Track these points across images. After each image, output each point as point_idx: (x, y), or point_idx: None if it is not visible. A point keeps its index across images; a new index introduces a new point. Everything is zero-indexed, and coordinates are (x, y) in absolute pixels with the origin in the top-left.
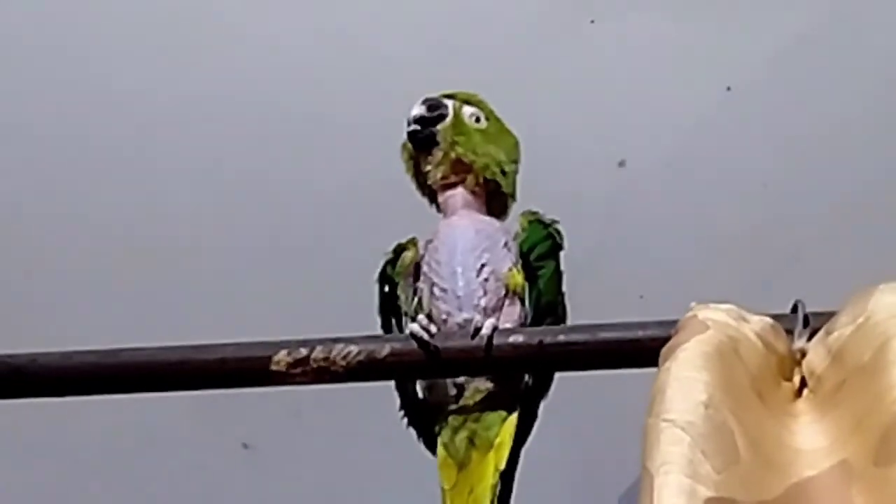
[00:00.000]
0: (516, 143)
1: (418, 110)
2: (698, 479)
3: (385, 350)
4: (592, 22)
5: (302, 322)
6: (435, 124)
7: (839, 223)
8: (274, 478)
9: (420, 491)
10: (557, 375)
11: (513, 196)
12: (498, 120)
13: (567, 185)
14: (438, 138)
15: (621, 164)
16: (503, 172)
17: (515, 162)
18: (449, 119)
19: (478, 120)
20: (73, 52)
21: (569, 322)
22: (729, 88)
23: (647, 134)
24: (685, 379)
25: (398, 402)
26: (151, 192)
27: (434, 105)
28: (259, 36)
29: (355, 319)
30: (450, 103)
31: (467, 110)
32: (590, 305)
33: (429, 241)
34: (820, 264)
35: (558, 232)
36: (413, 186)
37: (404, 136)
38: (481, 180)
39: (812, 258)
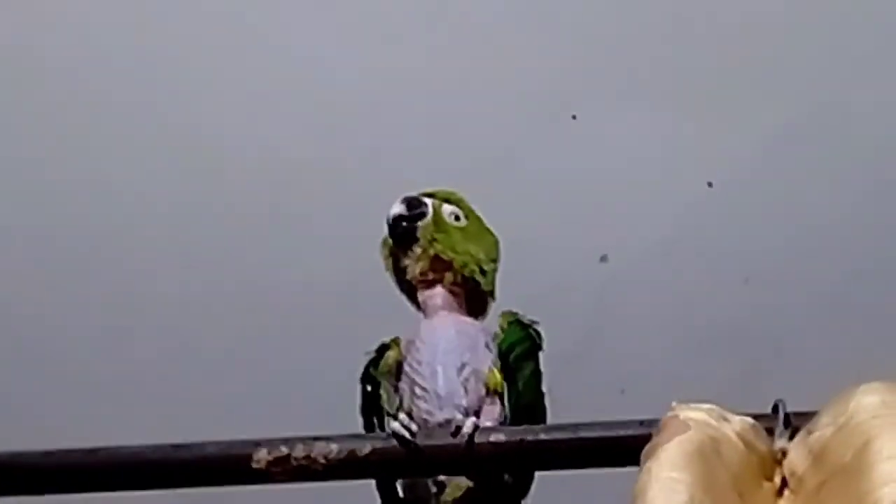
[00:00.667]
0: (496, 243)
1: (398, 209)
2: None
3: (366, 448)
4: (574, 117)
5: (283, 420)
6: (415, 222)
7: (822, 318)
8: None
9: None
10: (538, 474)
11: (492, 295)
12: (478, 219)
13: (549, 279)
14: (418, 234)
15: (603, 258)
16: (482, 271)
17: (495, 261)
18: (429, 217)
19: (457, 218)
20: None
21: (549, 419)
22: (710, 184)
23: (630, 229)
24: (666, 479)
25: (378, 501)
26: (132, 287)
27: (414, 203)
28: (242, 134)
29: (337, 418)
30: (429, 202)
31: (447, 208)
32: (571, 400)
33: (410, 341)
34: (802, 358)
35: (537, 333)
36: (393, 283)
37: (385, 232)
38: (460, 278)
39: (794, 352)
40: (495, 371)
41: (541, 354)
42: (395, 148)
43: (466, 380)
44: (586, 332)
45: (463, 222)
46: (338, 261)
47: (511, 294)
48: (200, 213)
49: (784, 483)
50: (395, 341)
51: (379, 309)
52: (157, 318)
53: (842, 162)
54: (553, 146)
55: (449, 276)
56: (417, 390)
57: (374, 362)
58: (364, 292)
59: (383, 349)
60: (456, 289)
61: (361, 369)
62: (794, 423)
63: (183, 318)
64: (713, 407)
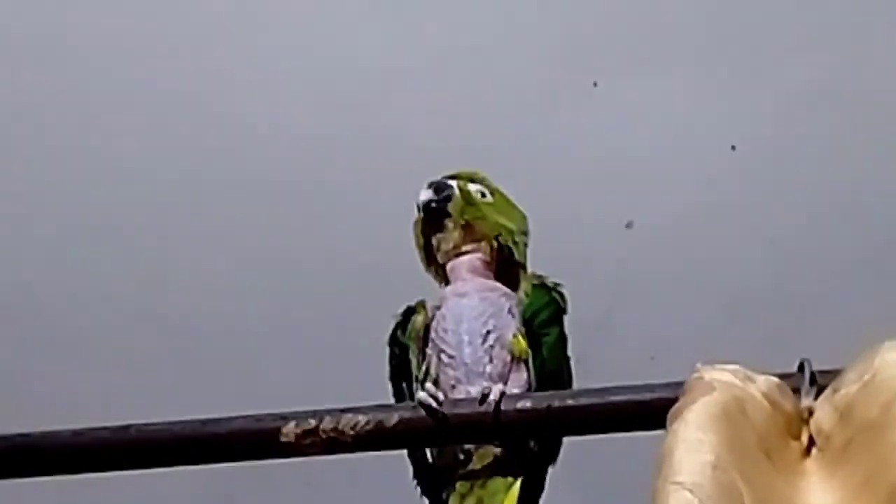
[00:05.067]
0: (524, 217)
1: (426, 195)
2: None
3: (394, 419)
4: (595, 84)
5: (311, 393)
6: (444, 203)
7: (848, 279)
8: None
9: None
10: (566, 439)
11: (524, 269)
12: (503, 195)
13: (575, 247)
14: (450, 209)
15: (629, 225)
16: (514, 242)
17: (525, 234)
18: (457, 196)
19: (483, 195)
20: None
21: (576, 385)
22: (734, 147)
23: (654, 195)
24: (692, 441)
25: (411, 469)
26: (159, 266)
27: (440, 187)
28: (267, 112)
29: (364, 388)
30: (454, 183)
31: (473, 187)
32: (601, 367)
33: (436, 308)
34: (829, 320)
35: (561, 296)
36: (421, 263)
37: (413, 213)
38: (494, 246)
39: (821, 313)
40: (520, 337)
41: (566, 318)
42: (416, 116)
43: (492, 347)
44: (614, 300)
45: (490, 199)
46: (364, 232)
47: (537, 263)
48: (223, 189)
49: (811, 441)
50: (422, 304)
51: (406, 282)
52: (184, 294)
53: (865, 123)
54: (574, 114)
55: (484, 246)
56: (444, 358)
57: (402, 326)
58: (391, 264)
59: (410, 312)
60: (488, 259)
61: (389, 333)
62: (820, 382)
63: (209, 295)
64: (738, 368)
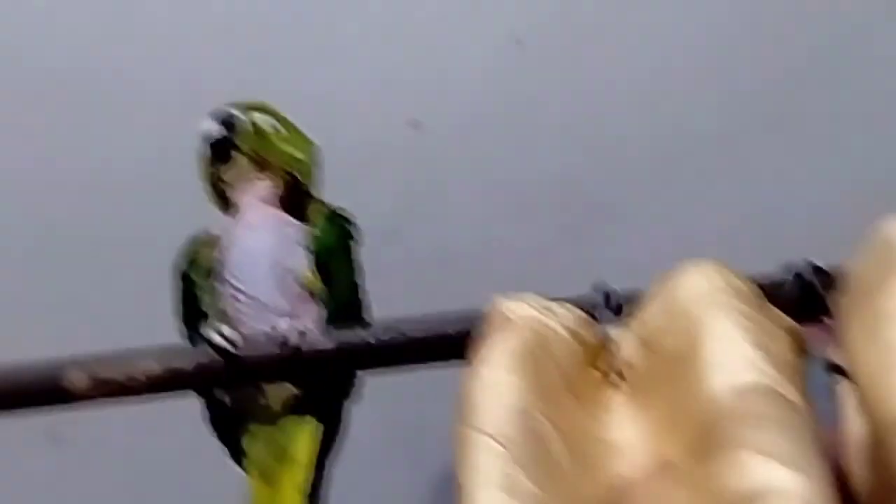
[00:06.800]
0: (315, 147)
1: (210, 126)
2: (514, 494)
3: (186, 363)
4: None
5: (94, 332)
6: (231, 134)
7: (643, 173)
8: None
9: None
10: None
11: (314, 200)
12: (292, 125)
13: (360, 149)
14: (237, 141)
15: (414, 124)
16: (305, 174)
17: (316, 165)
18: (246, 126)
19: (272, 126)
20: None
21: (369, 311)
22: (518, 41)
23: (440, 93)
24: (494, 384)
25: (202, 408)
26: None
27: (226, 118)
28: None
29: (154, 325)
30: (239, 113)
31: (259, 117)
32: (392, 272)
33: (225, 240)
34: (624, 217)
35: (348, 223)
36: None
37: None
38: (283, 177)
39: (619, 208)
40: (311, 270)
41: (355, 247)
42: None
43: (283, 280)
44: (403, 202)
45: (279, 129)
46: (144, 152)
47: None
48: None
49: (615, 371)
50: (209, 236)
51: (192, 206)
52: None
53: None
54: (352, 10)
55: (271, 175)
56: (234, 293)
57: (188, 258)
58: (177, 183)
59: (196, 244)
60: (276, 190)
61: (176, 266)
62: (619, 302)
63: None
64: (536, 298)
